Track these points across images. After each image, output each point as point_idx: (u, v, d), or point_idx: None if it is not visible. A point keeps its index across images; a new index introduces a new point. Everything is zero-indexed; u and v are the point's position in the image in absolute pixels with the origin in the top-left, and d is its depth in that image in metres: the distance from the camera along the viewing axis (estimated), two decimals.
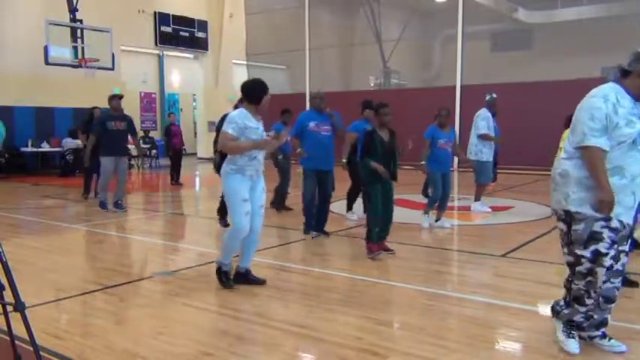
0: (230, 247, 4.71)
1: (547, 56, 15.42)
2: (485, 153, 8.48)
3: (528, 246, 6.40)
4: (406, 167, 7.94)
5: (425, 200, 8.19)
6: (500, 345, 3.63)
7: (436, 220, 7.42)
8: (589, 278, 3.16)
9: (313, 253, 6.21)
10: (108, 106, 9.27)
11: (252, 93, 4.59)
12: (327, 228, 7.00)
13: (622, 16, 15.24)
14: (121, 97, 9.29)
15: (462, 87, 16.17)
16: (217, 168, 6.69)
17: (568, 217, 3.22)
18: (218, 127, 6.52)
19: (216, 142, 6.40)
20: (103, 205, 9.16)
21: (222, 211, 7.24)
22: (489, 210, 8.64)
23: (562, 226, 3.31)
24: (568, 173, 3.18)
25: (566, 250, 3.34)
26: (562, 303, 3.42)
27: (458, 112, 15.78)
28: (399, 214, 8.10)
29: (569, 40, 15.26)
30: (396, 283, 5.05)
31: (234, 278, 4.82)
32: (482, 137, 8.43)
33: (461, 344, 3.55)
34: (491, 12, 18.54)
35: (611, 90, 3.16)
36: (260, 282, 4.84)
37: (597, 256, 3.12)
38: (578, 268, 3.21)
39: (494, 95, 8.86)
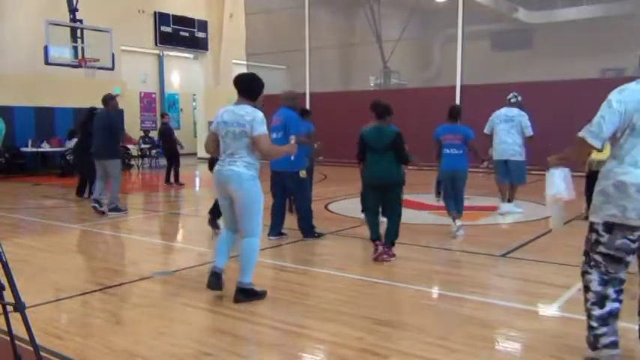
0: (255, 260, 4.36)
1: (547, 56, 15.40)
2: (524, 153, 8.56)
3: (528, 246, 6.40)
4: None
5: (440, 202, 7.53)
6: (500, 345, 3.63)
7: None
8: None
9: (313, 253, 6.21)
10: (105, 107, 8.95)
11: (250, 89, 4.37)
12: (327, 228, 7.00)
13: (622, 16, 15.24)
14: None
15: (462, 87, 16.16)
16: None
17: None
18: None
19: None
20: (119, 208, 8.79)
21: (216, 212, 6.77)
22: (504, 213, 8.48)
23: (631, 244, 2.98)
24: (625, 184, 2.88)
25: None
26: None
27: None
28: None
29: (569, 40, 15.23)
30: (396, 283, 5.05)
31: (215, 278, 4.42)
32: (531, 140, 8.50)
33: (461, 344, 3.55)
34: (491, 12, 18.54)
35: None
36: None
37: None
38: None
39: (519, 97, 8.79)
